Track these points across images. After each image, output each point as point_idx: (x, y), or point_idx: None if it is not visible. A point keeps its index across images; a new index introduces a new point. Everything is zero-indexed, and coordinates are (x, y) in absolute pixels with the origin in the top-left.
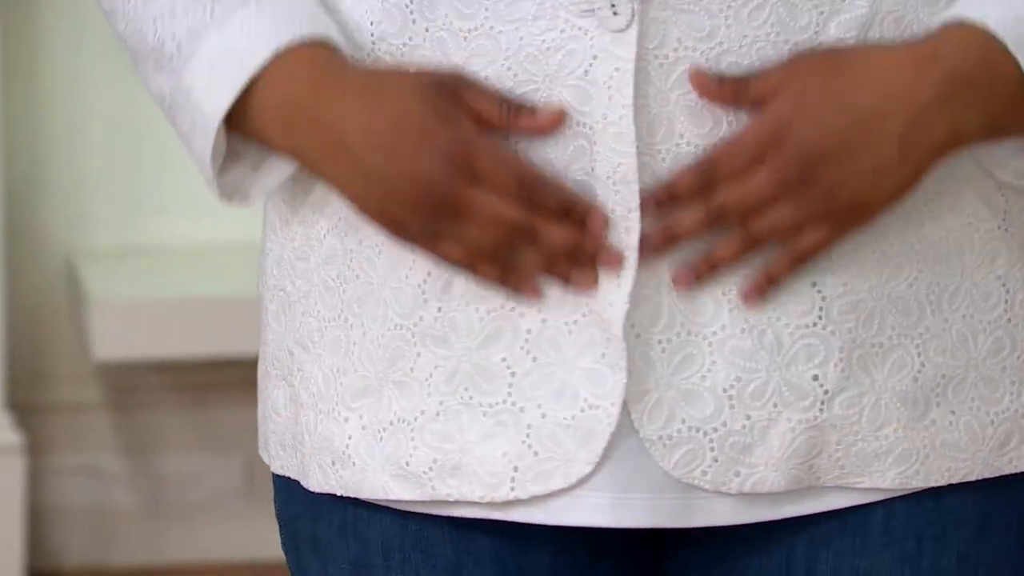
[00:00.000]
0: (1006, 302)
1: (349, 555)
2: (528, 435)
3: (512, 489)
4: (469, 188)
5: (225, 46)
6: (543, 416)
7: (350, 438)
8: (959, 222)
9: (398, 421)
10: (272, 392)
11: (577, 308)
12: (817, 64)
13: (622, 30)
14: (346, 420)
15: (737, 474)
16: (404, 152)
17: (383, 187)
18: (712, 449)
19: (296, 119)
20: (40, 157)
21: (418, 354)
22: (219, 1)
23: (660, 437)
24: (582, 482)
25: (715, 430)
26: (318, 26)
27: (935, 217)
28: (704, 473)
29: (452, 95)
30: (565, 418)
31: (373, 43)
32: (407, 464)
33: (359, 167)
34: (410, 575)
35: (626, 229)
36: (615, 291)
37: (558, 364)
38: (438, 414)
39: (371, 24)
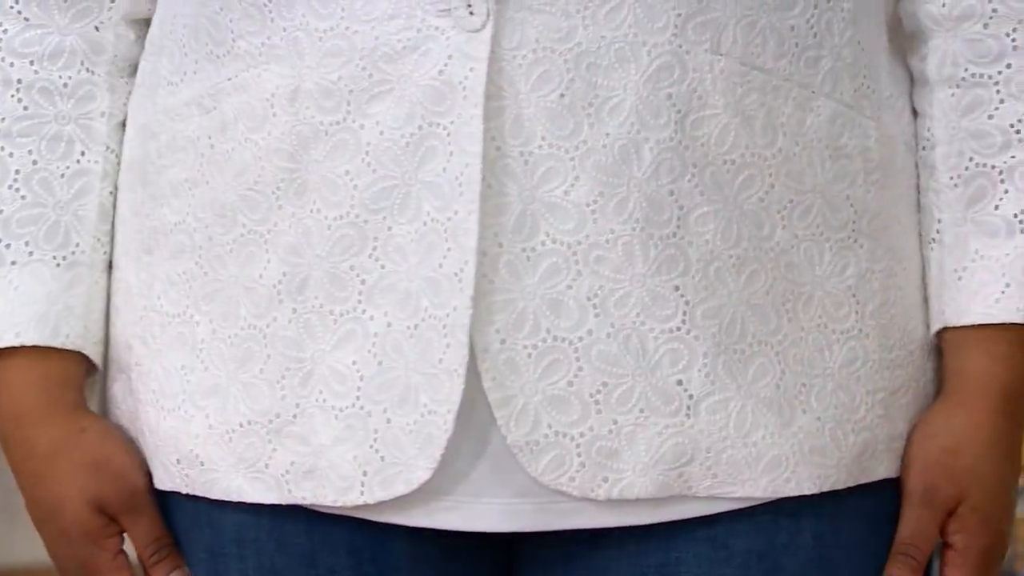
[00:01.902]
0: (856, 313)
1: (204, 543)
2: (375, 440)
3: (361, 494)
4: None
5: None
6: (388, 421)
7: (197, 437)
8: (809, 231)
9: (249, 423)
10: (112, 385)
11: (417, 312)
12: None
13: (477, 30)
14: (192, 418)
15: (605, 480)
16: (49, 542)
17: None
18: (579, 455)
19: None
20: None
21: (268, 356)
22: None
23: (527, 443)
24: (426, 486)
25: (582, 435)
26: (50, 328)
27: (786, 225)
28: (571, 479)
29: (114, 514)
30: (407, 423)
31: (233, 40)
32: (266, 467)
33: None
34: (265, 564)
35: (465, 232)
36: (457, 295)
37: (401, 368)
38: (295, 416)
39: (230, 22)
